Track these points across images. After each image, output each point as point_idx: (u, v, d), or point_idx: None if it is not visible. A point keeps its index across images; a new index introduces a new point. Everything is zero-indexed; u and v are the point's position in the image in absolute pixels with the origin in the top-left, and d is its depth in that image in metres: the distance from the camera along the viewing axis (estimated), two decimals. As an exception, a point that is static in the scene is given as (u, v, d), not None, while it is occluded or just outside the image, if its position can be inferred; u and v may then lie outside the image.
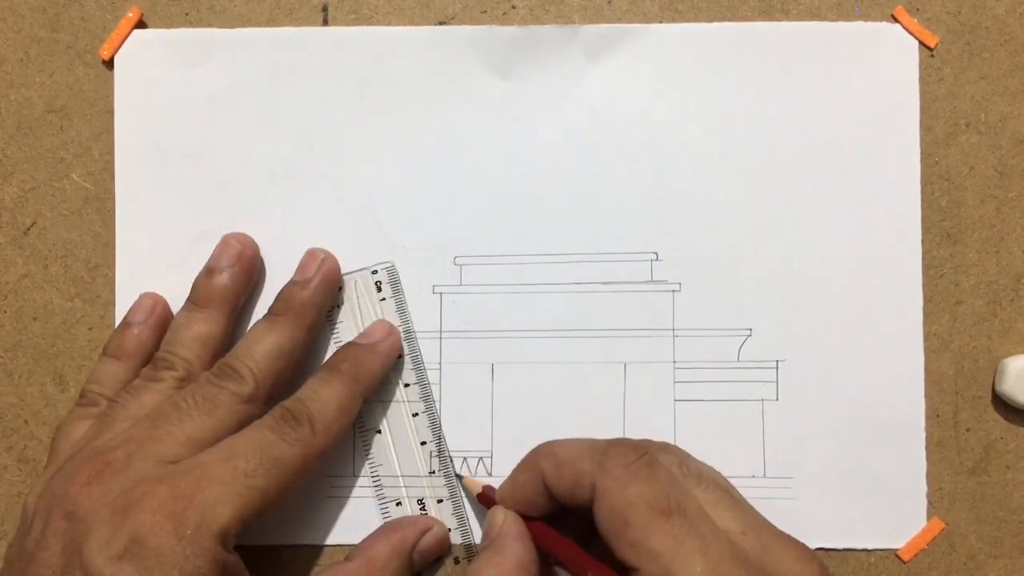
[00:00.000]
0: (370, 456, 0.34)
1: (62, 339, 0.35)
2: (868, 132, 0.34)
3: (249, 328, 0.33)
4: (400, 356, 0.34)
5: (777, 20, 0.35)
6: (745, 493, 0.33)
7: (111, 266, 0.35)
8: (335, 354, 0.33)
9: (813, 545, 0.33)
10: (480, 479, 0.33)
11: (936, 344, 0.34)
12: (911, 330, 0.34)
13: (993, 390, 0.34)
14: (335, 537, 0.34)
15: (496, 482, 0.32)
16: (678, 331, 0.34)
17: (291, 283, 0.33)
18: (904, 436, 0.34)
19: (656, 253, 0.34)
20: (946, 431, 0.34)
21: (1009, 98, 0.34)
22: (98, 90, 0.35)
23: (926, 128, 0.34)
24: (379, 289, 0.34)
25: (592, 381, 0.34)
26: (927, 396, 0.34)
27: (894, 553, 0.34)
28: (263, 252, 0.35)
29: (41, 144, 0.35)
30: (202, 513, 0.27)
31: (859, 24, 0.34)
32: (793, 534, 0.33)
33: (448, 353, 0.34)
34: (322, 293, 0.33)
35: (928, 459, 0.34)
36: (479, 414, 0.34)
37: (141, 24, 0.35)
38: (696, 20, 0.35)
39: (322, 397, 0.31)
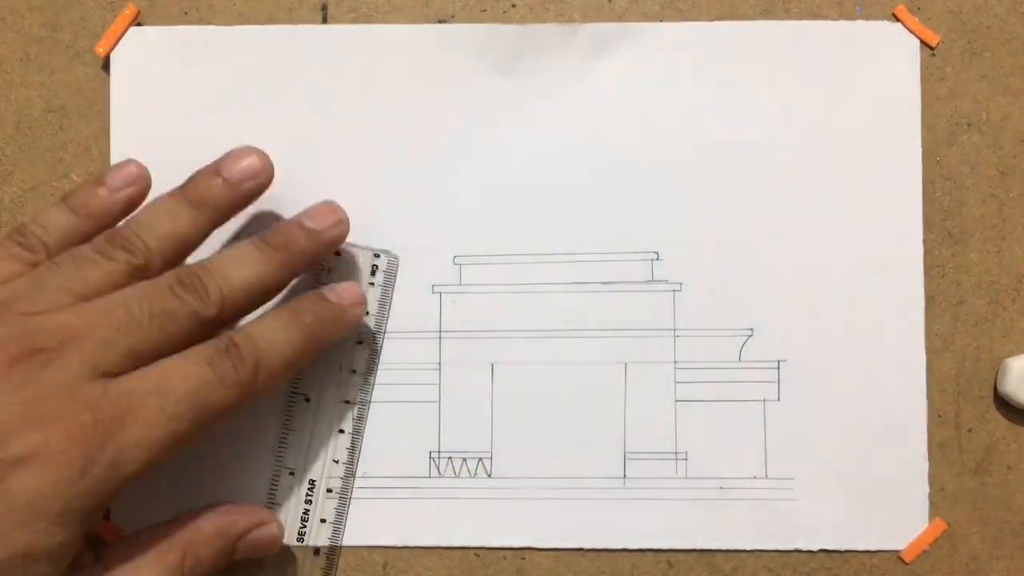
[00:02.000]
0: (288, 419, 0.33)
1: (61, 339, 0.35)
2: (869, 131, 0.34)
3: (229, 246, 0.30)
4: (359, 335, 0.33)
5: (778, 19, 0.34)
6: (746, 494, 0.33)
7: (110, 266, 0.35)
8: (300, 300, 0.30)
9: (814, 546, 0.33)
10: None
11: (938, 344, 0.34)
12: (913, 330, 0.34)
13: (995, 390, 0.34)
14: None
15: (498, 483, 0.32)
16: (679, 331, 0.34)
17: (297, 224, 0.30)
18: (906, 436, 0.34)
19: (656, 253, 0.34)
20: (948, 431, 0.34)
21: (1011, 97, 0.34)
22: (98, 90, 0.35)
23: (927, 127, 0.34)
24: (372, 272, 0.34)
25: (592, 381, 0.34)
26: (929, 396, 0.34)
27: (896, 554, 0.33)
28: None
29: (40, 144, 0.35)
30: (117, 452, 0.25)
31: (860, 23, 0.34)
32: (794, 535, 0.33)
33: (448, 353, 0.34)
34: (325, 250, 0.31)
35: (930, 459, 0.34)
36: (479, 414, 0.34)
37: (139, 23, 0.35)
38: (697, 19, 0.35)
39: (277, 341, 0.28)
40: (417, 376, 0.34)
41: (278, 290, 0.30)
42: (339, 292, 0.31)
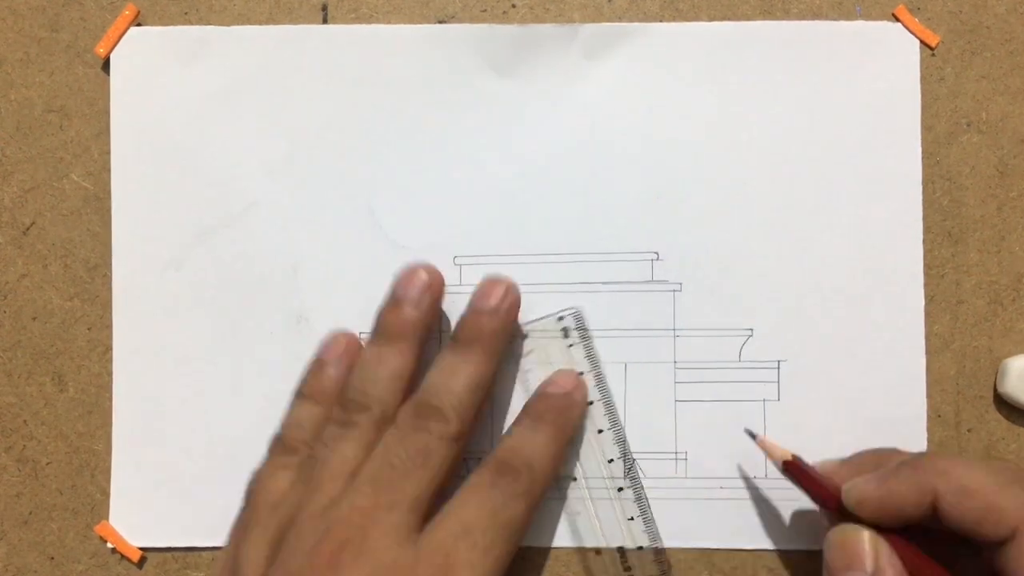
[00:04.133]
0: (567, 504, 0.34)
1: (61, 339, 0.35)
2: (869, 131, 0.34)
3: (436, 359, 0.31)
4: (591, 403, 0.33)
5: (778, 19, 0.34)
6: (746, 494, 0.33)
7: (110, 266, 0.35)
8: (535, 402, 0.32)
9: (814, 546, 0.33)
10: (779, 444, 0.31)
11: (937, 344, 0.34)
12: (912, 330, 0.34)
13: (995, 390, 0.34)
14: None
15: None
16: (679, 331, 0.34)
17: (476, 311, 0.31)
18: (905, 436, 0.34)
19: (656, 253, 0.34)
20: (947, 431, 0.34)
21: (1010, 97, 0.34)
22: (97, 90, 0.35)
23: (927, 127, 0.34)
24: (566, 335, 0.34)
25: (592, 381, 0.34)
26: (928, 396, 0.34)
27: (896, 554, 0.33)
28: (262, 252, 0.35)
29: (41, 144, 0.35)
30: None
31: (860, 23, 0.34)
32: (795, 535, 0.33)
33: (448, 353, 0.34)
34: (511, 323, 0.32)
35: (930, 459, 0.34)
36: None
37: (139, 23, 0.35)
38: (696, 19, 0.35)
39: (537, 443, 0.30)
40: (417, 376, 0.34)
41: (492, 379, 0.31)
42: (557, 383, 0.32)
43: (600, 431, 0.33)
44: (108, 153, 0.35)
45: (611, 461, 0.33)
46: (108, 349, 0.35)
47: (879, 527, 0.28)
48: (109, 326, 0.35)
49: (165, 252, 0.35)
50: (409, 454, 0.29)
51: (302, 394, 0.32)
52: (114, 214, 0.35)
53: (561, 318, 0.34)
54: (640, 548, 0.33)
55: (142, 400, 0.34)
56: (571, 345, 0.34)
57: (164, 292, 0.34)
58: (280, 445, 0.31)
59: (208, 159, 0.35)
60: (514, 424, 0.31)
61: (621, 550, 0.33)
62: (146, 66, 0.35)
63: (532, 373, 0.33)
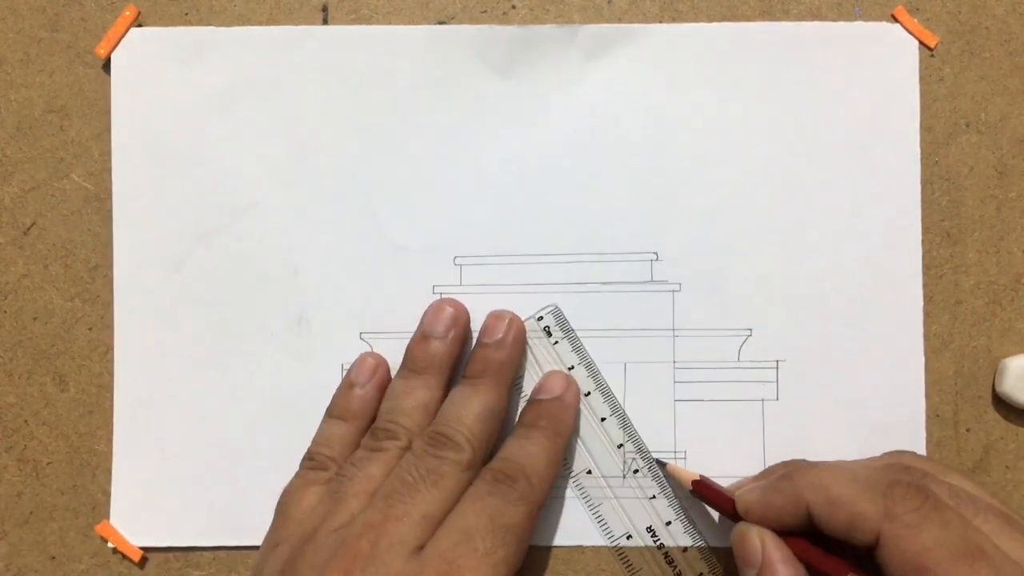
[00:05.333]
0: (589, 498, 0.34)
1: (62, 339, 0.35)
2: (868, 132, 0.34)
3: (450, 394, 0.32)
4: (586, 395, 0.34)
5: (777, 20, 0.35)
6: (745, 493, 0.33)
7: (111, 266, 0.35)
8: (526, 412, 0.33)
9: (813, 545, 0.33)
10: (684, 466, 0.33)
11: (936, 344, 0.34)
12: (911, 330, 0.34)
13: (993, 390, 0.34)
14: None
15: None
16: (678, 331, 0.34)
17: (483, 346, 0.33)
18: (904, 436, 0.34)
19: (656, 253, 0.34)
20: (946, 431, 0.34)
21: (1009, 98, 0.34)
22: (98, 90, 0.35)
23: (926, 128, 0.34)
24: (549, 334, 0.34)
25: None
26: (927, 396, 0.34)
27: (894, 553, 0.34)
28: (263, 253, 0.35)
29: (41, 144, 0.35)
30: None
31: (859, 24, 0.34)
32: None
33: (448, 353, 0.34)
34: (517, 353, 0.33)
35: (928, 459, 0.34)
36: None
37: (140, 24, 0.35)
38: (696, 20, 0.35)
39: (530, 452, 0.31)
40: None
41: (504, 407, 0.33)
42: (548, 387, 0.33)
43: (603, 419, 0.34)
44: (108, 153, 0.35)
45: (620, 446, 0.34)
46: (109, 349, 0.35)
47: (778, 531, 0.29)
48: (110, 326, 0.35)
49: (166, 252, 0.35)
50: (421, 473, 0.30)
51: (331, 414, 0.34)
52: (115, 214, 0.35)
53: (540, 318, 0.34)
54: (668, 523, 0.33)
55: (143, 400, 0.34)
56: (556, 343, 0.34)
57: (165, 292, 0.34)
58: (310, 462, 0.33)
59: (208, 159, 0.35)
60: (510, 435, 0.32)
61: (651, 530, 0.33)
62: (146, 67, 0.35)
63: (523, 379, 0.34)
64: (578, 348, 0.34)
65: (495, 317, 0.34)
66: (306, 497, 0.32)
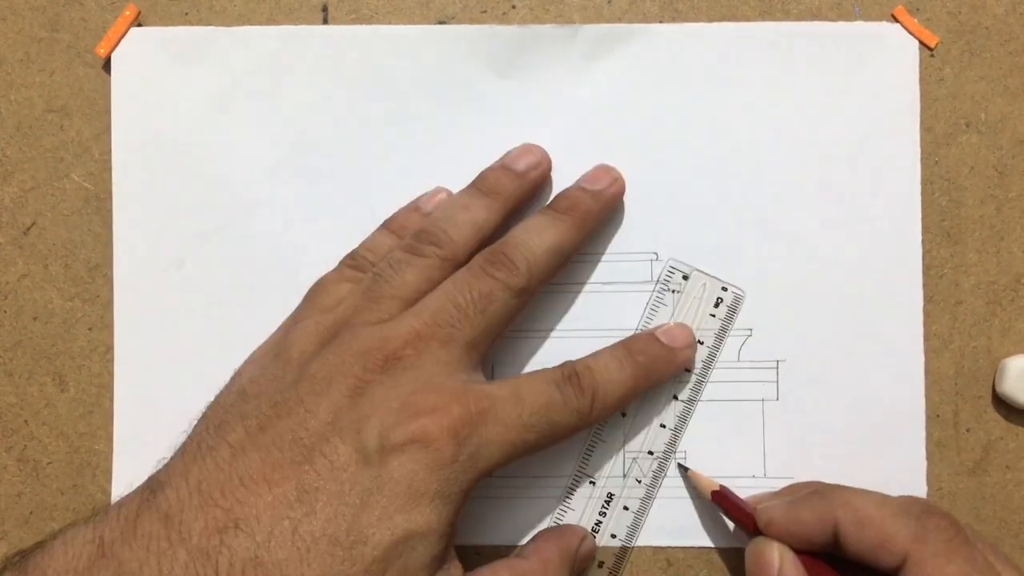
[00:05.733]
0: (599, 429, 0.34)
1: (62, 339, 0.35)
2: (868, 132, 0.34)
3: (525, 220, 0.31)
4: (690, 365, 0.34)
5: (777, 20, 0.35)
6: (745, 493, 0.33)
7: (111, 266, 0.35)
8: (635, 339, 0.32)
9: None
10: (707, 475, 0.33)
11: (936, 344, 0.34)
12: (911, 330, 0.34)
13: (993, 390, 0.34)
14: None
15: (498, 481, 0.32)
16: (678, 331, 0.34)
17: (581, 188, 0.32)
18: (904, 436, 0.34)
19: (656, 253, 0.34)
20: (946, 431, 0.34)
21: (1009, 98, 0.34)
22: (98, 90, 0.35)
23: (926, 128, 0.34)
24: (716, 304, 0.34)
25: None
26: (927, 396, 0.34)
27: (894, 553, 0.34)
28: (263, 252, 0.35)
29: (41, 144, 0.35)
30: (479, 446, 0.27)
31: (859, 24, 0.34)
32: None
33: (448, 353, 0.34)
34: (609, 208, 0.33)
35: (928, 459, 0.34)
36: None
37: (140, 23, 0.35)
38: (696, 20, 0.35)
39: (613, 378, 0.30)
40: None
41: (573, 251, 0.32)
42: (672, 334, 0.33)
43: (675, 398, 0.34)
44: (109, 153, 0.35)
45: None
46: (109, 349, 0.35)
47: (796, 550, 0.29)
48: (110, 326, 0.35)
49: (166, 252, 0.35)
50: (473, 297, 0.29)
51: (386, 226, 0.33)
52: (115, 214, 0.35)
53: (725, 288, 0.34)
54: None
55: (143, 400, 0.34)
56: (713, 315, 0.34)
57: (165, 292, 0.34)
58: (351, 260, 0.32)
59: (209, 159, 0.35)
60: (606, 348, 0.31)
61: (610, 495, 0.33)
62: (147, 66, 0.35)
63: (664, 310, 0.34)
64: (720, 340, 0.34)
65: (603, 169, 0.33)
66: (339, 288, 0.31)
